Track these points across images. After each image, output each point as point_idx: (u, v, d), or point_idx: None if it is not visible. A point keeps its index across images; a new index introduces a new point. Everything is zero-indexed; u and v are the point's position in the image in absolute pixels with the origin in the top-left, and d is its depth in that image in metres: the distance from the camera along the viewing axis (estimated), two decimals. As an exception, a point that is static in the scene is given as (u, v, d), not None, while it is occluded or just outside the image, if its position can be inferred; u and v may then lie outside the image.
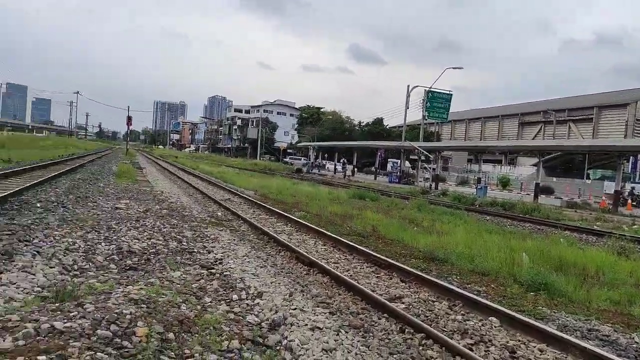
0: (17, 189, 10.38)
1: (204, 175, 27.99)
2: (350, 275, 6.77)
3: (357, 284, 6.02)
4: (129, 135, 73.41)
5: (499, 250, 8.70)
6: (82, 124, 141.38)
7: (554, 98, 68.19)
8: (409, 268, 7.14)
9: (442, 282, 6.46)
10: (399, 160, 46.48)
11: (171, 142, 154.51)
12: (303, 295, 5.55)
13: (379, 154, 49.08)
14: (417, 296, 6.05)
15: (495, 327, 5.09)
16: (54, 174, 15.18)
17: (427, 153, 39.12)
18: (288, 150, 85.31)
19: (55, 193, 11.18)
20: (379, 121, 73.73)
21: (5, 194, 9.31)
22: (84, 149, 52.91)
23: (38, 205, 9.00)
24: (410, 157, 46.44)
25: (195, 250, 7.44)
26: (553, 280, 6.79)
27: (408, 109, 46.89)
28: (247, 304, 5.03)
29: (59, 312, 3.72)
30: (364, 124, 79.46)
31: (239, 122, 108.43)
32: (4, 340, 3.13)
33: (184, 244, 7.75)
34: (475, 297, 5.86)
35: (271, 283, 5.95)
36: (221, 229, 9.81)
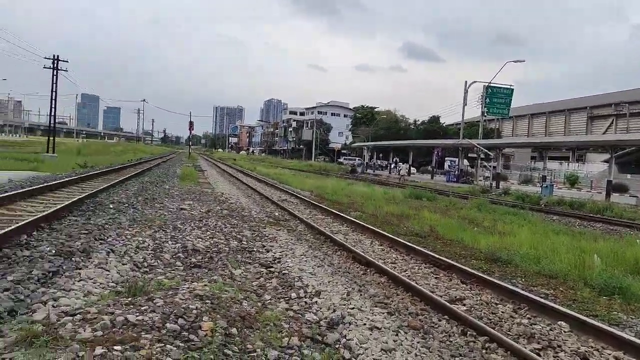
0: (92, 191, 11.18)
1: (261, 176, 28.69)
2: (408, 276, 6.67)
3: (415, 285, 5.92)
4: (191, 140, 76.76)
5: (567, 251, 8.22)
6: (148, 129, 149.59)
7: (626, 89, 63.13)
8: (469, 269, 6.93)
9: (505, 284, 6.21)
10: (457, 159, 45.12)
11: (230, 146, 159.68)
12: (361, 294, 5.55)
13: (436, 152, 47.88)
14: (479, 298, 5.85)
15: (564, 332, 4.82)
16: (123, 177, 16.19)
17: (487, 151, 37.69)
18: (342, 151, 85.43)
19: (126, 195, 11.92)
20: (435, 119, 72.00)
21: (82, 196, 10.07)
22: (150, 153, 55.95)
23: (111, 206, 9.64)
24: (469, 155, 44.89)
25: (255, 249, 7.65)
26: (629, 284, 6.32)
27: (466, 106, 45.38)
28: (306, 302, 5.10)
29: (131, 306, 3.97)
30: (419, 122, 77.98)
31: (294, 124, 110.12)
32: (84, 331, 3.39)
33: (244, 243, 8.00)
34: (542, 300, 5.58)
35: (329, 282, 6.00)
36: (279, 228, 10.01)
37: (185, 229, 8.50)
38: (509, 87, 46.46)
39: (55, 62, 28.22)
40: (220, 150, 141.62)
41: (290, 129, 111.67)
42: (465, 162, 45.37)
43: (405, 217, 13.21)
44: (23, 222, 6.42)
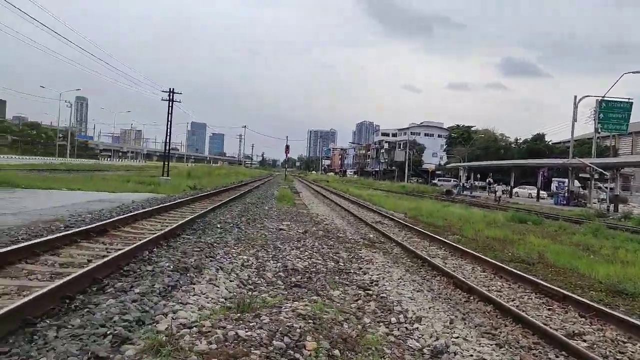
0: (202, 211, 12.11)
1: (354, 198, 28.84)
2: (517, 306, 6.21)
3: (526, 316, 5.49)
4: (287, 162, 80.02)
5: None
6: (248, 153, 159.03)
7: None
8: (588, 301, 6.26)
9: (634, 320, 5.49)
10: (566, 180, 41.38)
11: (323, 168, 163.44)
12: (465, 323, 5.28)
13: (541, 173, 44.36)
14: (601, 334, 5.25)
15: None
16: (228, 199, 17.31)
17: (601, 170, 34.10)
18: (437, 172, 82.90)
19: (231, 215, 12.72)
20: (539, 137, 67.17)
21: (193, 216, 10.94)
22: (250, 176, 59.23)
23: (218, 225, 10.35)
24: (580, 175, 41.00)
25: (352, 270, 7.68)
26: None
27: (575, 122, 41.67)
28: (406, 328, 4.98)
29: (241, 322, 4.19)
30: (521, 141, 73.23)
31: (386, 145, 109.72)
32: (200, 343, 3.64)
33: (341, 264, 8.07)
34: (682, 342, 4.84)
35: (429, 308, 5.80)
36: (374, 250, 9.95)
37: (285, 248, 8.81)
38: (627, 100, 41.87)
39: (171, 94, 31.41)
40: (314, 172, 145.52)
41: (382, 151, 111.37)
42: (576, 183, 41.45)
43: (508, 242, 12.38)
44: (145, 240, 7.14)
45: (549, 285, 7.06)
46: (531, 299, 6.72)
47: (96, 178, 24.88)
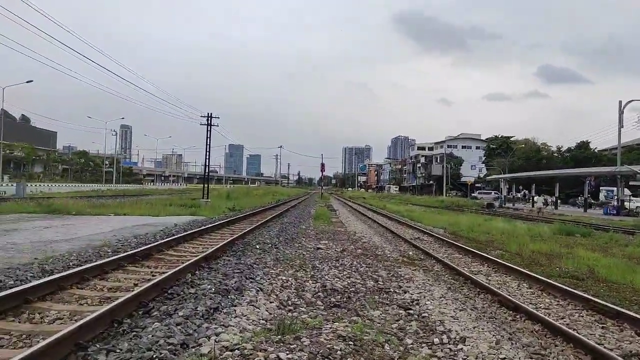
0: (241, 233, 12.32)
1: (392, 214, 28.53)
2: (567, 324, 5.93)
3: (577, 335, 5.24)
4: (322, 180, 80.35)
5: None
6: (284, 173, 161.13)
7: None
8: (646, 319, 5.90)
9: (698, 340, 5.13)
10: (615, 188, 39.41)
11: (359, 184, 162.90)
12: (512, 343, 5.09)
13: (588, 182, 42.53)
14: (662, 355, 4.92)
15: None
16: (265, 219, 17.54)
17: (654, 177, 32.31)
18: (476, 185, 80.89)
19: (269, 235, 12.87)
20: (583, 145, 64.60)
21: (233, 237, 11.15)
22: (287, 195, 59.78)
23: (257, 246, 10.50)
24: (630, 183, 38.96)
25: (391, 289, 7.58)
26: None
27: (622, 128, 39.85)
28: (450, 349, 4.85)
29: (281, 344, 4.22)
30: (564, 149, 70.61)
31: (422, 159, 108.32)
32: (242, 365, 3.69)
33: (380, 283, 7.98)
34: None
35: (473, 328, 5.63)
36: (414, 268, 9.79)
37: (323, 268, 8.82)
38: (678, 101, 39.70)
39: (209, 119, 32.43)
40: (350, 189, 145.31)
41: (419, 165, 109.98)
42: (627, 191, 39.41)
43: (555, 256, 11.89)
44: (188, 263, 7.34)
45: (601, 301, 6.71)
46: (582, 316, 6.41)
47: (141, 202, 25.83)
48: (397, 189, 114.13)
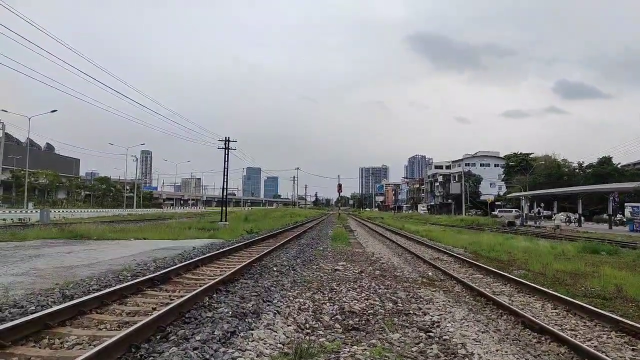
0: (258, 255, 12.32)
1: (410, 234, 28.21)
2: (595, 346, 5.71)
3: (606, 357, 5.03)
4: (339, 201, 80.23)
5: None
6: (302, 194, 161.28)
7: None
8: (679, 340, 5.64)
9: None
10: (642, 204, 38.32)
11: (376, 204, 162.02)
12: (537, 367, 4.92)
13: (612, 198, 41.47)
14: (698, 379, 4.69)
15: None
16: (283, 241, 17.52)
17: (682, 191, 31.33)
18: (496, 203, 79.61)
19: (286, 257, 12.83)
20: (605, 160, 63.26)
21: (250, 260, 11.16)
22: (305, 216, 59.76)
23: (274, 269, 10.46)
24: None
25: (411, 311, 7.43)
26: None
27: (645, 141, 38.91)
28: (472, 373, 4.71)
29: (298, 368, 4.16)
30: (585, 165, 69.23)
31: (440, 178, 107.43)
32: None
33: (399, 305, 7.84)
34: None
35: (496, 351, 5.47)
36: (434, 289, 9.60)
37: (341, 290, 8.72)
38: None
39: (227, 143, 32.93)
40: (367, 209, 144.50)
41: (437, 184, 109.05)
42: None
43: (581, 275, 11.53)
44: (205, 286, 7.35)
45: (630, 322, 6.45)
46: (611, 337, 6.16)
47: (160, 226, 26.13)
48: (424, 208, 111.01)
